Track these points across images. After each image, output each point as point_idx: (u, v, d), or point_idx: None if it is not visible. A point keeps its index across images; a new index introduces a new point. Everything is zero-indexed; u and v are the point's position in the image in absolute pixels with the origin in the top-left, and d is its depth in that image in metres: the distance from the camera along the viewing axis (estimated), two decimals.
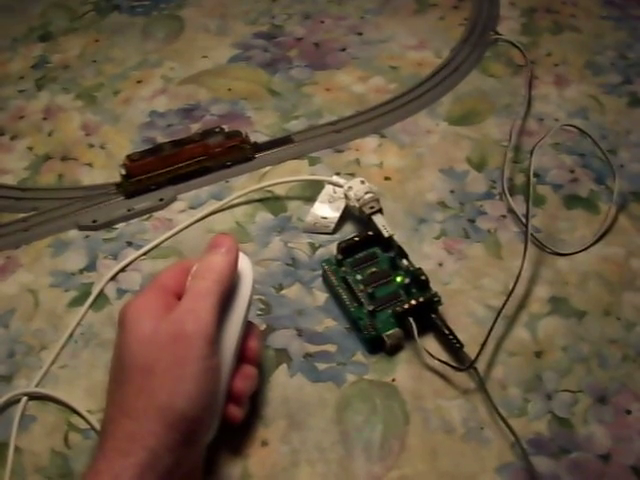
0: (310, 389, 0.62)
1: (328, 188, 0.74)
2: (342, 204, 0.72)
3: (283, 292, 0.68)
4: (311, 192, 0.75)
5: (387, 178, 0.77)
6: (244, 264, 0.57)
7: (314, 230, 0.72)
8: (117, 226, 0.75)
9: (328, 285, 0.68)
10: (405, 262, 0.66)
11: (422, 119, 0.83)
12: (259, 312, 0.66)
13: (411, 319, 0.62)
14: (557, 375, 0.61)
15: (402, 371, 0.62)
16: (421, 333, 0.62)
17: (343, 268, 0.67)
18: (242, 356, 0.56)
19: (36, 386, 0.63)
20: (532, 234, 0.69)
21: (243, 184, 0.77)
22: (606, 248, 0.70)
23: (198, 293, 0.52)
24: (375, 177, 0.76)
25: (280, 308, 0.67)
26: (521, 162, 0.77)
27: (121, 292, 0.69)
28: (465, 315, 0.65)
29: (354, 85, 0.87)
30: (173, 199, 0.76)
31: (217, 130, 0.77)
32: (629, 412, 0.59)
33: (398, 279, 0.65)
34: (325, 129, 0.82)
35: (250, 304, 0.57)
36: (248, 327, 0.57)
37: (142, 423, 0.47)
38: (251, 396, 0.57)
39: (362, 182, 0.70)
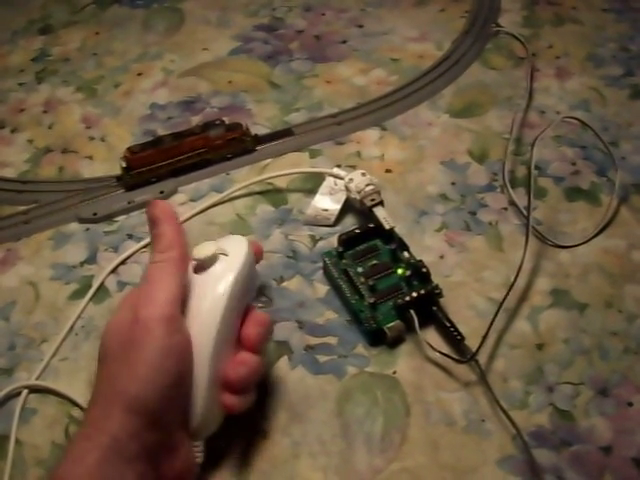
0: (311, 381, 0.62)
1: (329, 180, 0.73)
2: (343, 196, 0.72)
3: (284, 284, 0.68)
4: (312, 184, 0.75)
5: (388, 170, 0.76)
6: (236, 244, 0.57)
7: (315, 222, 0.72)
8: (118, 219, 0.75)
9: (329, 277, 0.68)
10: (406, 254, 0.66)
11: (423, 111, 0.83)
12: (259, 305, 0.66)
13: (412, 311, 0.62)
14: (558, 367, 0.61)
15: (403, 363, 0.62)
16: (422, 325, 0.62)
17: (344, 260, 0.67)
18: (241, 343, 0.55)
19: (37, 379, 0.63)
20: (533, 226, 0.69)
21: (244, 176, 0.77)
22: (607, 240, 0.70)
23: (150, 276, 0.52)
24: (376, 169, 0.76)
25: (281, 300, 0.67)
26: (522, 154, 0.77)
27: (122, 285, 0.69)
28: (466, 307, 0.65)
29: (355, 77, 0.87)
30: (174, 191, 0.76)
31: (218, 122, 0.77)
32: (630, 404, 0.59)
33: (399, 271, 0.65)
34: (326, 121, 0.82)
35: (244, 285, 0.55)
36: (249, 313, 0.56)
37: (104, 409, 0.48)
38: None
39: (363, 174, 0.70)
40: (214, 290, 0.54)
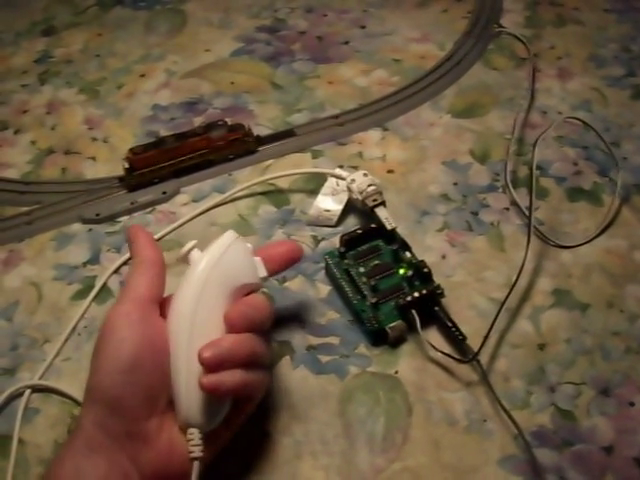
0: (313, 381, 0.62)
1: (331, 181, 0.74)
2: (345, 197, 0.72)
3: (286, 284, 0.68)
4: (314, 185, 0.75)
5: (390, 171, 0.77)
6: (219, 238, 0.57)
7: (317, 223, 0.72)
8: (120, 219, 0.75)
9: (331, 277, 0.68)
10: (408, 254, 0.66)
11: (425, 112, 0.83)
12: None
13: (414, 311, 0.62)
14: (560, 367, 0.61)
15: (405, 363, 0.62)
16: (424, 325, 0.62)
17: (346, 260, 0.67)
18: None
19: (39, 379, 0.63)
20: (535, 227, 0.69)
21: (246, 177, 0.77)
22: (609, 240, 0.70)
23: (126, 282, 0.56)
24: (378, 170, 0.76)
25: (283, 300, 0.67)
26: (524, 155, 0.77)
27: (124, 285, 0.69)
28: (468, 307, 0.65)
29: (357, 78, 0.88)
30: (176, 192, 0.76)
31: (220, 123, 0.77)
32: (632, 404, 0.59)
33: (401, 271, 0.65)
34: (328, 122, 0.82)
35: (219, 270, 0.54)
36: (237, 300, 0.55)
37: (82, 406, 0.52)
38: None
39: (365, 175, 0.70)
40: (186, 278, 0.54)
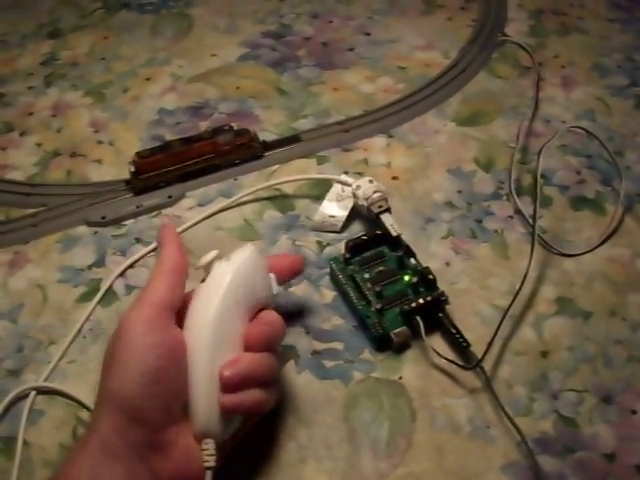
0: (317, 386, 0.62)
1: (336, 187, 0.74)
2: (350, 203, 0.72)
3: (291, 290, 0.68)
4: (319, 191, 0.75)
5: (395, 178, 0.77)
6: (239, 250, 0.57)
7: (322, 228, 0.72)
8: (126, 222, 0.75)
9: (336, 283, 0.68)
10: (413, 261, 0.66)
11: (430, 119, 0.83)
12: None
13: (418, 318, 0.62)
14: (563, 375, 0.62)
15: (409, 369, 0.62)
16: (428, 332, 0.62)
17: (351, 266, 0.67)
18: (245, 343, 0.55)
19: (44, 381, 0.63)
20: (539, 235, 0.69)
21: (252, 182, 0.77)
22: (612, 249, 0.70)
23: (146, 285, 0.54)
24: (383, 176, 0.76)
25: (288, 306, 0.67)
26: (528, 163, 0.77)
27: (130, 288, 0.69)
28: (472, 314, 0.66)
29: (362, 85, 0.88)
30: (182, 196, 0.77)
31: (226, 128, 0.78)
32: (634, 412, 0.59)
33: (406, 278, 0.66)
34: (333, 128, 0.82)
35: (241, 286, 0.55)
36: (258, 315, 0.56)
37: (97, 410, 0.51)
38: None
39: (370, 181, 0.70)
40: (209, 290, 0.54)
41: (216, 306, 0.53)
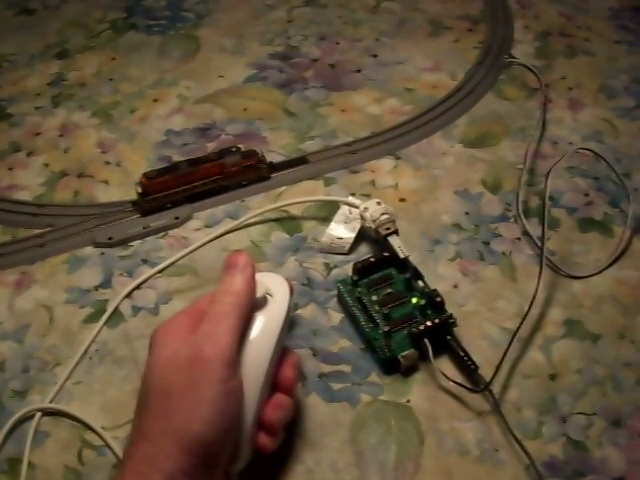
0: (325, 409, 0.62)
1: (344, 209, 0.74)
2: (358, 225, 0.72)
3: (298, 312, 0.68)
4: (326, 212, 0.75)
5: (402, 199, 0.77)
6: (278, 285, 0.57)
7: (329, 250, 0.72)
8: (133, 243, 0.75)
9: (343, 305, 0.68)
10: (420, 283, 0.66)
11: (437, 141, 0.83)
12: None
13: (426, 340, 0.62)
14: (572, 398, 0.61)
15: (417, 392, 0.62)
16: (436, 354, 0.62)
17: (358, 289, 0.67)
18: (276, 384, 0.55)
19: (50, 402, 0.63)
20: (547, 257, 0.69)
21: (259, 203, 0.77)
22: (620, 271, 0.70)
23: (216, 316, 0.52)
24: (390, 198, 0.76)
25: (295, 328, 0.67)
26: (535, 185, 0.77)
27: (136, 309, 0.69)
28: (480, 337, 0.65)
29: (369, 106, 0.88)
30: (189, 217, 0.77)
31: (233, 149, 0.78)
32: None
33: (414, 300, 0.66)
34: (340, 150, 0.82)
35: (285, 327, 0.56)
36: (285, 354, 0.57)
37: (159, 446, 0.47)
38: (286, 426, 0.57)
39: (378, 203, 0.70)
40: (264, 335, 0.54)
41: (270, 354, 0.54)
